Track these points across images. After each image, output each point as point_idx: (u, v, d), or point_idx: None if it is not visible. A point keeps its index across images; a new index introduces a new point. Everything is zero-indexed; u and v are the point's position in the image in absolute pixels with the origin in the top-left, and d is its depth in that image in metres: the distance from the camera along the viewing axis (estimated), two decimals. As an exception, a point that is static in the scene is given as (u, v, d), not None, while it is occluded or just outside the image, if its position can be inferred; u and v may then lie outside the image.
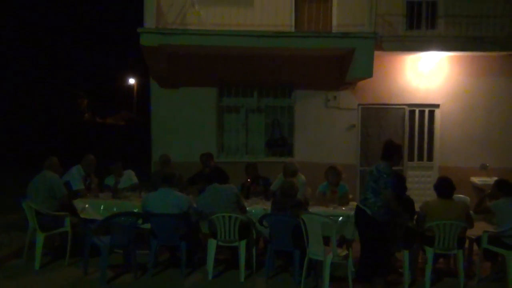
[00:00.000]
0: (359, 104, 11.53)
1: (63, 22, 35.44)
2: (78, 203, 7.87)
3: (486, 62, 11.37)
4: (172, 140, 11.28)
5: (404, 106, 11.60)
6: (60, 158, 8.04)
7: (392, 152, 6.58)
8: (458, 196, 7.70)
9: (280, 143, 11.66)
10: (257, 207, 7.68)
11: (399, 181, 6.87)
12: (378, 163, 6.62)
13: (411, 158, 11.73)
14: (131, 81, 44.64)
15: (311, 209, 7.40)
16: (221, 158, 11.23)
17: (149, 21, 10.06)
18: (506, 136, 11.52)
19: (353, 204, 8.08)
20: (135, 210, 7.32)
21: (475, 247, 7.36)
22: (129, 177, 9.22)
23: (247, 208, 7.47)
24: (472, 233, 7.03)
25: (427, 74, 11.52)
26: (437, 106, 11.61)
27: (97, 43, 40.23)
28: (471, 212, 7.00)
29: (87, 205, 7.90)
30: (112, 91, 43.74)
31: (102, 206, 7.94)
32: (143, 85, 36.29)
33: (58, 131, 26.01)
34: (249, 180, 8.94)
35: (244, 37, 10.10)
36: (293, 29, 11.09)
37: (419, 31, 11.20)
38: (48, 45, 33.51)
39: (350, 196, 8.50)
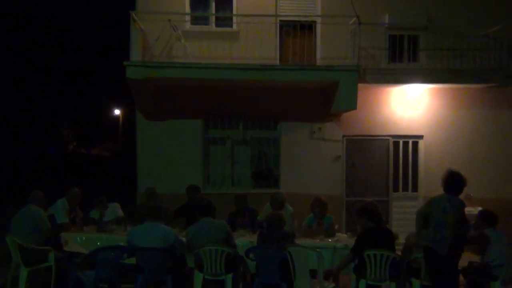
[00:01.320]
0: (344, 136, 11.65)
1: (49, 52, 35.45)
2: (63, 237, 7.77)
3: (468, 94, 11.59)
4: (158, 172, 11.25)
5: (388, 137, 11.74)
6: (44, 191, 7.97)
7: (463, 184, 6.37)
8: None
9: (266, 175, 11.71)
10: (244, 240, 7.65)
11: None
12: (443, 196, 6.33)
13: (396, 189, 11.81)
14: (117, 111, 44.57)
15: (298, 241, 7.37)
16: (207, 190, 11.20)
17: (135, 54, 10.17)
18: (488, 167, 11.66)
19: (340, 235, 8.12)
20: (121, 244, 7.24)
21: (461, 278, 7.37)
22: (114, 210, 9.14)
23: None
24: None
25: (410, 106, 11.70)
26: (421, 137, 11.77)
27: (83, 73, 40.23)
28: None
29: (72, 239, 7.81)
30: (97, 121, 43.59)
31: (87, 239, 7.84)
32: (128, 115, 36.28)
33: (42, 163, 25.81)
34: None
35: (229, 70, 10.24)
36: (278, 62, 11.26)
37: (402, 64, 11.45)
38: (33, 74, 33.47)
39: (336, 227, 8.51)
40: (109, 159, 35.77)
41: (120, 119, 44.31)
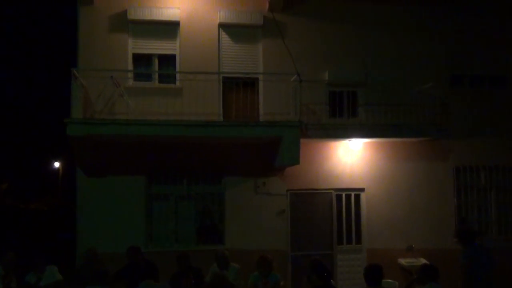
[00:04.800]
0: (288, 190, 11.73)
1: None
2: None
3: (405, 147, 12.00)
4: (99, 230, 10.90)
5: (331, 191, 11.91)
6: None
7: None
8: (387, 281, 7.84)
9: (210, 231, 11.57)
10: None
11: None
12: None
13: (340, 242, 11.89)
14: (56, 164, 43.28)
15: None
16: (150, 248, 10.96)
17: (76, 111, 10.02)
18: (428, 218, 11.97)
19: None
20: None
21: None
22: (52, 273, 8.70)
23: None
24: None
25: (351, 160, 11.98)
26: (362, 190, 12.01)
27: (21, 125, 39.23)
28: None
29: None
30: (36, 174, 42.15)
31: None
32: (69, 168, 35.32)
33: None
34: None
35: (172, 127, 10.22)
36: (221, 118, 11.35)
37: (342, 119, 11.79)
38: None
39: (282, 283, 8.44)
40: (48, 214, 34.38)
41: (60, 172, 43.02)
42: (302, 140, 10.60)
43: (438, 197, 12.12)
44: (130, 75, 11.38)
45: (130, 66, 11.47)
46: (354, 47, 12.06)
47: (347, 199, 12.02)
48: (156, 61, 11.67)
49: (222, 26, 11.76)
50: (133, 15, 11.36)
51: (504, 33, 12.63)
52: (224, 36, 11.81)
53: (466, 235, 7.83)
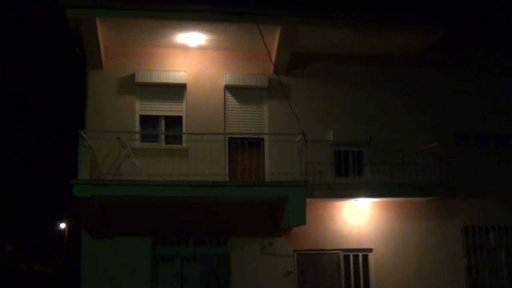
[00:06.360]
0: (294, 250, 11.58)
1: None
2: None
3: (413, 207, 11.91)
4: (104, 292, 10.75)
5: (338, 251, 11.75)
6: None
7: None
8: None
9: (216, 292, 11.37)
10: None
11: None
12: None
13: (348, 304, 11.63)
14: (62, 225, 43.13)
15: None
16: (154, 311, 10.74)
17: (83, 172, 10.07)
18: (438, 279, 11.72)
19: None
20: None
21: None
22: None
23: None
24: None
25: (358, 219, 11.88)
26: (370, 250, 11.84)
27: (26, 185, 39.43)
28: None
29: None
30: (40, 235, 41.93)
31: None
32: (74, 229, 35.15)
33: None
34: None
35: (179, 187, 10.23)
36: (227, 178, 11.38)
37: (348, 178, 11.78)
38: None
39: None
40: (53, 276, 33.97)
41: (65, 233, 42.80)
42: (308, 200, 10.57)
43: (448, 258, 11.91)
44: (137, 136, 11.53)
45: (137, 128, 11.64)
46: (358, 107, 12.22)
47: (355, 260, 11.83)
48: (163, 122, 11.85)
49: (228, 88, 11.99)
50: (141, 78, 11.63)
51: (507, 92, 12.78)
52: (230, 98, 12.02)
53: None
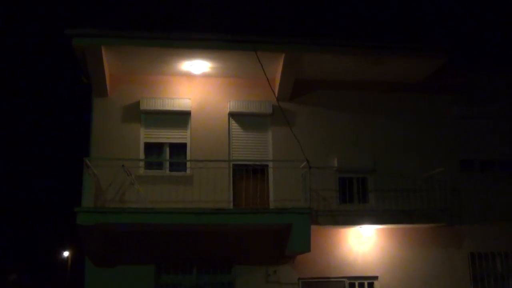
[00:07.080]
0: (299, 278, 11.46)
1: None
2: None
3: (418, 233, 11.81)
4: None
5: (344, 279, 11.61)
6: None
7: None
8: None
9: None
10: None
11: None
12: None
13: (355, 333, 11.45)
14: (65, 253, 42.81)
15: None
16: None
17: (87, 200, 10.08)
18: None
19: None
20: None
21: None
22: None
23: None
24: None
25: (363, 247, 11.77)
26: (376, 278, 11.70)
27: (32, 215, 39.41)
28: None
29: None
30: (44, 264, 41.65)
31: None
32: (77, 257, 34.90)
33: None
34: None
35: (183, 215, 10.22)
36: (231, 206, 11.35)
37: (352, 205, 11.75)
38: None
39: None
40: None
41: (69, 261, 42.48)
42: (313, 227, 10.51)
43: (454, 285, 11.76)
44: (142, 163, 11.54)
45: (142, 155, 11.67)
46: (362, 134, 12.24)
47: (360, 288, 11.71)
48: (167, 150, 11.88)
49: (232, 115, 12.05)
50: (146, 105, 11.71)
51: (510, 117, 12.80)
52: (234, 125, 12.07)
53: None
